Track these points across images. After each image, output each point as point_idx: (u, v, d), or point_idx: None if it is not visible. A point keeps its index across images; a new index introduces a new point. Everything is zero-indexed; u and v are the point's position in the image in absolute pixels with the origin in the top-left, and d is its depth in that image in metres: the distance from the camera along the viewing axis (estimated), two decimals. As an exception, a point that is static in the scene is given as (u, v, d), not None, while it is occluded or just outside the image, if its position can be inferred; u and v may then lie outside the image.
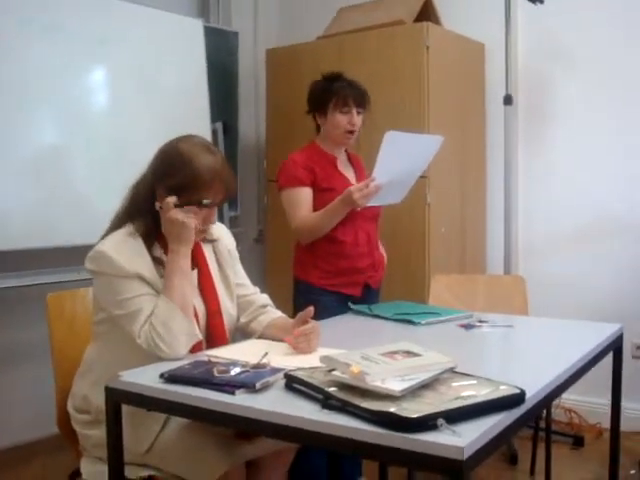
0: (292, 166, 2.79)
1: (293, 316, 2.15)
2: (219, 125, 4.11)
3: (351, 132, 2.79)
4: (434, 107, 3.63)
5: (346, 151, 2.96)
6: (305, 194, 2.76)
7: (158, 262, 1.98)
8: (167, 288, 1.91)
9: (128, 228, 1.99)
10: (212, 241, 2.19)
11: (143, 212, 1.99)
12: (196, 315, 2.00)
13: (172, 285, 1.91)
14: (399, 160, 2.58)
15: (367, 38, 3.81)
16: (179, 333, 1.87)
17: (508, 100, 3.71)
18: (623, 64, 3.67)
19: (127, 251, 1.93)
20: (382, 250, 2.98)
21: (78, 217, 3.20)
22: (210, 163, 1.95)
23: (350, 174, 2.90)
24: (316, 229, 2.73)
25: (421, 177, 3.47)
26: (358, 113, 2.79)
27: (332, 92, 2.78)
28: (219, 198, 2.00)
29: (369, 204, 2.64)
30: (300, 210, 2.74)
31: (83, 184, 3.35)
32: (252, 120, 4.62)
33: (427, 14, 3.81)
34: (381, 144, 2.48)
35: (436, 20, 3.84)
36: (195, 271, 2.08)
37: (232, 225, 4.13)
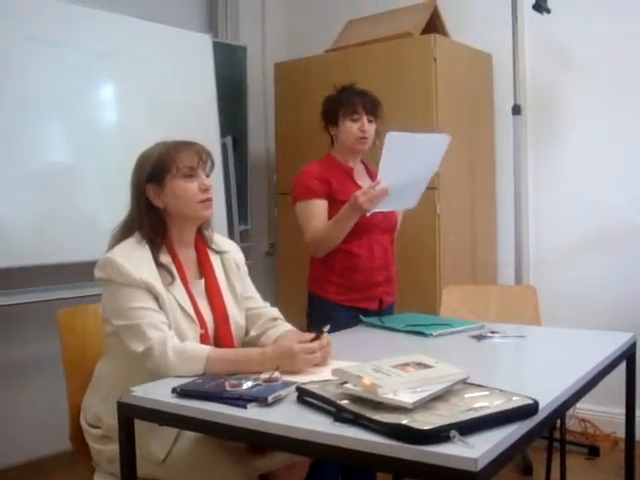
0: (306, 178, 2.75)
1: (306, 331, 2.12)
2: (228, 139, 4.12)
3: (363, 138, 2.76)
4: (442, 118, 3.63)
5: (363, 162, 2.92)
6: (319, 206, 2.71)
7: (164, 269, 1.99)
8: (226, 361, 1.88)
9: (136, 237, 2.01)
10: (220, 252, 2.19)
11: (145, 214, 2.02)
12: (204, 324, 2.01)
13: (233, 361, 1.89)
14: (405, 161, 2.49)
15: (375, 50, 3.83)
16: (185, 370, 1.85)
17: (517, 110, 3.72)
18: (632, 72, 3.66)
19: (136, 259, 1.94)
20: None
21: (87, 233, 3.19)
22: (170, 141, 2.05)
23: (366, 185, 2.85)
24: (328, 239, 2.68)
25: (430, 188, 3.47)
26: (369, 121, 2.75)
27: (341, 102, 2.77)
28: (195, 161, 2.02)
29: (382, 209, 2.58)
30: (314, 222, 2.69)
31: (92, 200, 3.35)
32: (261, 134, 4.64)
33: (434, 26, 3.83)
34: (383, 146, 2.42)
35: (443, 32, 3.85)
36: (202, 280, 2.09)
37: (243, 239, 4.14)
